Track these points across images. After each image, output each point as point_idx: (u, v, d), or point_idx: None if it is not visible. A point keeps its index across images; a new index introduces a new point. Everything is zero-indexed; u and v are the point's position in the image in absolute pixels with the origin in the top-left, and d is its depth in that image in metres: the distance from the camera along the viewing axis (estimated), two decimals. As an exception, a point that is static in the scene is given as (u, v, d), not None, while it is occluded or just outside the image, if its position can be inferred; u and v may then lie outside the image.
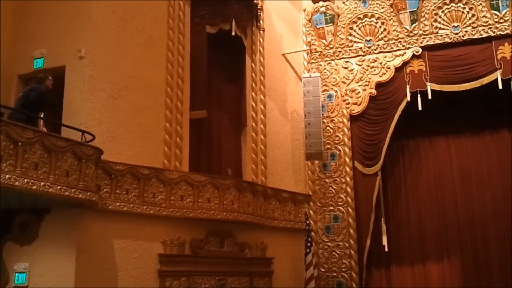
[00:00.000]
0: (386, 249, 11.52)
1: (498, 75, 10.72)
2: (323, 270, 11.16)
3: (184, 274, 8.85)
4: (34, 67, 8.82)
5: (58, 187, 7.14)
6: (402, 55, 11.54)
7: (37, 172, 6.94)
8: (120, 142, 8.60)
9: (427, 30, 11.44)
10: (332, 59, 12.04)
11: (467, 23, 11.21)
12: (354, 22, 11.99)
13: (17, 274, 7.84)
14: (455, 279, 11.38)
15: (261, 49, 11.29)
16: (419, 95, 11.17)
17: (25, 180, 6.75)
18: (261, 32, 11.35)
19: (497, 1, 11.03)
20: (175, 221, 8.95)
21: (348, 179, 11.51)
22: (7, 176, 6.53)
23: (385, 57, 11.67)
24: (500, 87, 10.63)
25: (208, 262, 9.24)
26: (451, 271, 11.47)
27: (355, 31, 11.97)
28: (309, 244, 10.68)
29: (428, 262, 11.66)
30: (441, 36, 11.35)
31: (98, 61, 8.59)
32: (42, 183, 6.95)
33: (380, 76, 11.64)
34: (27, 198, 7.31)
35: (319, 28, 12.17)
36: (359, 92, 11.72)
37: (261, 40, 11.32)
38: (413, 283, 11.63)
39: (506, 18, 10.90)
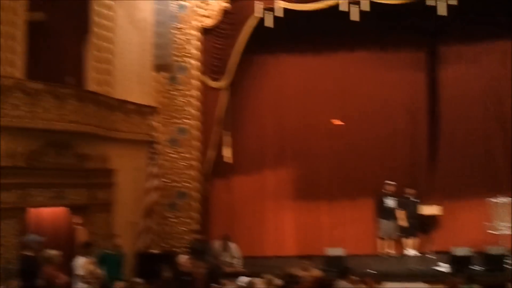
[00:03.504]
0: (230, 160, 12.13)
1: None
2: (166, 180, 11.42)
3: (17, 186, 8.52)
4: None
5: None
6: (254, -31, 11.38)
7: None
8: None
9: None
10: (185, -32, 11.61)
11: None
12: None
13: None
14: (289, 184, 12.51)
15: None
16: (271, 13, 11.20)
17: None
18: None
19: None
20: (10, 131, 8.41)
21: (196, 92, 11.62)
22: None
23: (239, -31, 11.48)
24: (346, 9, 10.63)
25: (45, 174, 8.95)
26: (286, 178, 12.53)
27: None
28: (153, 156, 10.83)
29: (265, 171, 12.59)
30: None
31: None
32: None
33: (233, -11, 11.51)
34: None
35: None
36: (211, 5, 11.54)
37: None
38: (251, 190, 12.54)
39: None
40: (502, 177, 11.98)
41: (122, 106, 10.62)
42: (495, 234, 10.90)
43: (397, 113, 12.46)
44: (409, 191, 11.89)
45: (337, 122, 12.30)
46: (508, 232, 10.78)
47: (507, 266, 10.10)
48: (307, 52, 12.64)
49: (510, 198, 10.97)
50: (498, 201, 10.98)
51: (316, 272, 9.49)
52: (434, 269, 10.39)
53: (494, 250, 10.35)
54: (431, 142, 12.39)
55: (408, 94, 12.50)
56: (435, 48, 12.38)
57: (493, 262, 10.15)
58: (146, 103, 11.30)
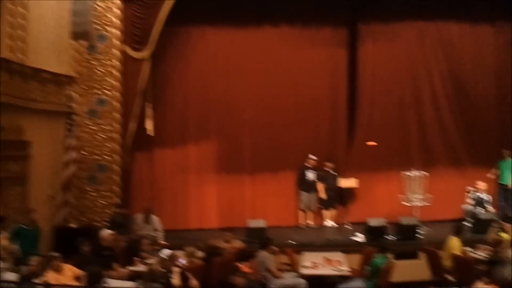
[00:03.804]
0: (151, 133, 11.92)
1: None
2: (85, 153, 11.07)
3: None
4: None
5: None
6: None
7: None
8: None
9: None
10: None
11: None
12: None
13: None
14: (212, 157, 12.52)
15: None
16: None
17: None
18: None
19: None
20: None
21: (116, 62, 11.23)
22: None
23: None
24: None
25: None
26: (208, 151, 12.52)
27: None
28: (71, 127, 10.46)
29: (188, 144, 12.51)
30: None
31: None
32: None
33: (154, -46, 11.15)
34: None
35: None
36: (135, -29, 11.18)
37: None
38: (174, 163, 12.42)
39: None
40: (415, 151, 12.63)
41: (37, 75, 10.11)
42: (408, 205, 11.46)
43: (318, 89, 12.69)
44: (328, 164, 12.26)
45: (371, 143, 12.39)
46: (420, 203, 11.37)
47: (419, 236, 10.67)
48: (232, 25, 12.55)
49: (422, 172, 11.54)
50: (411, 174, 11.51)
51: (238, 244, 9.64)
52: (351, 239, 10.80)
53: (407, 220, 10.87)
54: (350, 118, 12.78)
55: (330, 70, 12.77)
56: (356, 25, 12.69)
57: (406, 232, 10.68)
58: (63, 72, 10.82)
